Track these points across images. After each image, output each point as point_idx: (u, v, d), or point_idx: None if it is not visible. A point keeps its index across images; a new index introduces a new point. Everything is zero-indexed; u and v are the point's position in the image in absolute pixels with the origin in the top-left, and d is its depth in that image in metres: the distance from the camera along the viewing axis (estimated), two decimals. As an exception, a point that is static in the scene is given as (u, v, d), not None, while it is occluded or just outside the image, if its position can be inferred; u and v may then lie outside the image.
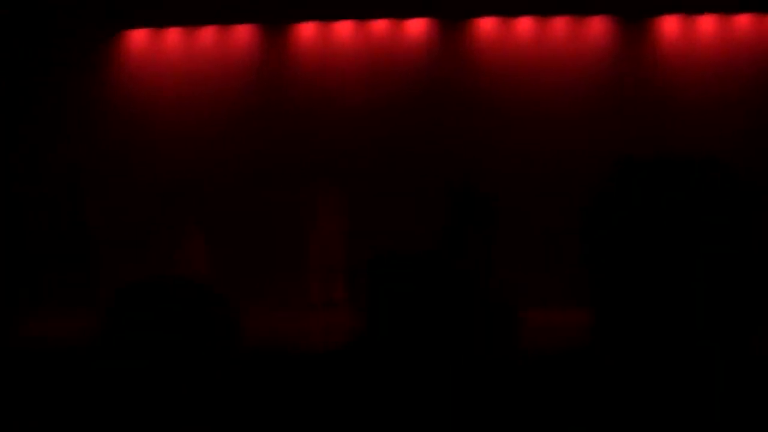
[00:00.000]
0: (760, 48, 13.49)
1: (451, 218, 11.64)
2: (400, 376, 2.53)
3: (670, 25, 13.59)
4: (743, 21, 13.62)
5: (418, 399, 2.43)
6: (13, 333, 9.10)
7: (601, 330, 1.51)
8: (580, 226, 1.54)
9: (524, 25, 13.61)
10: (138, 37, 13.95)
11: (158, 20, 13.75)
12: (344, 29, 13.73)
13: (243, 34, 13.87)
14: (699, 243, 1.44)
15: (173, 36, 13.93)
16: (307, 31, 13.76)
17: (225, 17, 13.70)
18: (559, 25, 13.59)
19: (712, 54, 13.50)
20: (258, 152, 13.34)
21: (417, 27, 13.67)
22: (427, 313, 2.58)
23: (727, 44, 13.52)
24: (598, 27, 13.56)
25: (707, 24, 13.59)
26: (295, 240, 12.30)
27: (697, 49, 13.52)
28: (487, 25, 13.61)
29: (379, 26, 13.71)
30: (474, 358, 2.56)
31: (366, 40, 13.68)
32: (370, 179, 12.88)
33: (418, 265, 2.68)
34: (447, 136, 13.10)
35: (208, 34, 13.92)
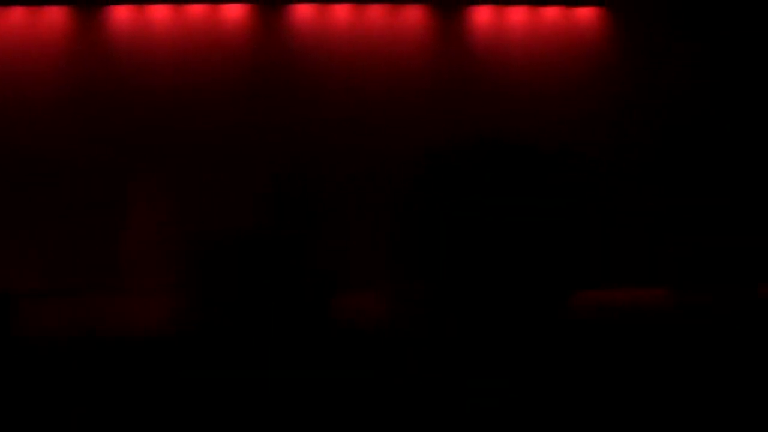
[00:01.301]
0: (568, 40, 14.06)
1: (274, 204, 11.67)
2: (227, 352, 2.60)
3: (482, 15, 13.98)
4: (551, 13, 14.15)
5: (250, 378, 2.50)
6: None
7: (429, 298, 1.62)
8: (398, 207, 1.64)
9: (341, 11, 13.73)
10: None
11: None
12: (160, 13, 13.51)
13: (54, 15, 13.48)
14: (508, 217, 1.56)
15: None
16: (121, 13, 13.48)
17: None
18: (376, 12, 13.78)
19: (522, 44, 13.97)
20: (75, 141, 13.02)
21: (234, 12, 13.59)
22: (246, 294, 2.66)
23: (536, 35, 14.03)
24: (413, 15, 13.82)
25: (517, 15, 14.06)
26: (116, 227, 12.11)
27: (508, 39, 13.97)
28: (305, 11, 13.66)
29: (196, 10, 13.56)
30: (297, 329, 2.66)
31: (182, 25, 13.50)
32: (189, 167, 12.78)
33: (234, 246, 2.75)
34: (267, 123, 13.10)
35: (17, 15, 13.48)
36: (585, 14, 14.23)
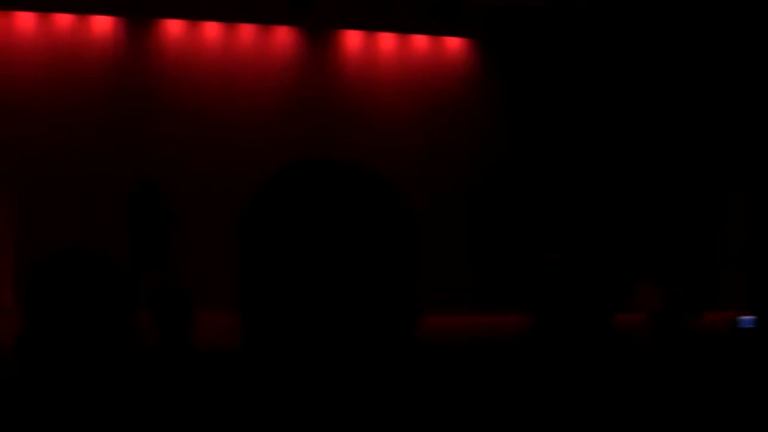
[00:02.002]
0: (435, 68, 14.28)
1: (130, 219, 11.48)
2: (60, 377, 2.54)
3: (353, 40, 14.11)
4: (421, 42, 14.36)
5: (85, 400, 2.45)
6: None
7: (248, 332, 1.51)
8: (236, 226, 1.54)
9: (212, 29, 13.69)
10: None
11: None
12: (26, 21, 13.24)
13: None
14: (344, 245, 1.45)
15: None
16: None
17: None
18: (246, 32, 13.78)
19: (390, 70, 14.14)
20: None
21: (103, 24, 13.41)
22: (83, 312, 2.59)
23: (405, 62, 14.21)
24: (283, 36, 13.87)
25: (386, 41, 14.22)
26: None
27: (376, 64, 14.12)
28: (174, 27, 13.57)
29: (63, 21, 13.32)
30: (130, 353, 2.60)
31: (49, 35, 13.26)
32: (48, 182, 12.51)
33: (76, 265, 2.67)
34: (128, 138, 12.94)
35: None
36: (453, 44, 14.46)
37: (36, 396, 2.47)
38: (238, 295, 1.52)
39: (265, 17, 13.62)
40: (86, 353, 2.57)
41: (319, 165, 1.51)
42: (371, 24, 14.00)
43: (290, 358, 1.46)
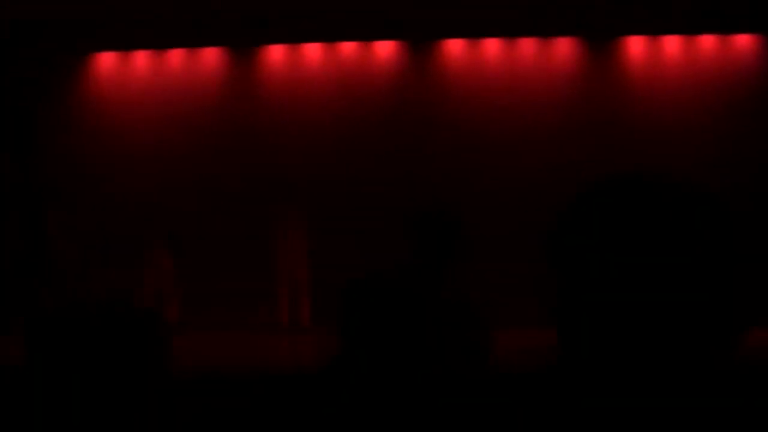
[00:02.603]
0: (724, 68, 13.65)
1: (419, 241, 11.61)
2: (375, 397, 2.54)
3: (635, 46, 13.71)
4: (707, 41, 13.77)
5: (395, 418, 2.44)
6: None
7: (566, 350, 1.48)
8: (546, 244, 1.52)
9: (492, 46, 13.68)
10: (107, 60, 13.92)
11: (126, 43, 13.73)
12: (313, 52, 13.74)
13: (211, 56, 13.87)
14: (665, 261, 1.41)
15: (141, 58, 13.91)
16: (275, 53, 13.77)
17: (193, 40, 13.69)
18: (526, 46, 13.68)
19: (676, 74, 13.63)
20: (225, 174, 13.33)
21: (386, 49, 13.71)
22: (400, 335, 2.59)
23: (691, 64, 13.67)
24: (564, 48, 13.66)
25: (672, 44, 13.73)
26: (262, 263, 12.28)
27: (662, 70, 13.65)
28: (455, 47, 13.67)
29: (348, 48, 13.73)
30: (446, 375, 2.58)
31: (335, 63, 13.69)
32: (338, 201, 12.91)
33: (390, 289, 2.69)
34: (415, 158, 13.14)
35: (176, 57, 13.91)
36: (743, 41, 13.80)
37: (352, 412, 2.46)
38: (556, 312, 1.50)
39: (546, 30, 13.46)
40: (402, 374, 2.54)
41: (636, 179, 1.47)
42: (654, 28, 13.55)
43: (611, 376, 1.42)
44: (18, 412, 1.82)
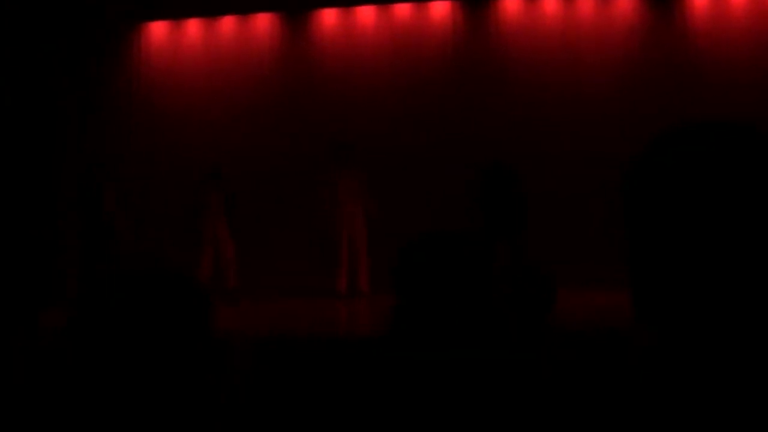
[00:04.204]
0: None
1: (480, 198, 11.42)
2: (432, 361, 2.47)
3: (700, 2, 13.33)
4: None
5: (451, 387, 2.36)
6: (33, 326, 9.04)
7: (639, 303, 1.43)
8: (620, 196, 1.46)
9: (549, 4, 13.38)
10: (158, 29, 13.85)
11: (178, 11, 13.65)
12: (367, 14, 13.55)
13: (263, 22, 13.73)
14: (741, 212, 1.36)
15: (193, 27, 13.82)
16: (328, 17, 13.60)
17: (245, 7, 13.57)
18: (586, 2, 13.36)
19: (741, 26, 13.24)
20: (281, 140, 13.24)
21: (440, 9, 13.47)
22: (458, 293, 2.54)
23: (756, 15, 13.26)
24: (624, 4, 13.32)
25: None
26: (321, 229, 12.19)
27: (726, 21, 13.26)
28: (512, 5, 13.39)
29: (402, 10, 13.51)
30: (508, 333, 2.54)
31: (389, 25, 13.49)
32: (396, 165, 12.76)
33: (448, 248, 2.65)
34: (474, 117, 12.94)
35: (228, 24, 13.80)
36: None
37: (409, 375, 2.38)
38: (629, 266, 1.45)
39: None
40: (460, 334, 2.49)
41: (710, 126, 1.44)
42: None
43: (687, 331, 1.38)
44: (68, 376, 1.87)
